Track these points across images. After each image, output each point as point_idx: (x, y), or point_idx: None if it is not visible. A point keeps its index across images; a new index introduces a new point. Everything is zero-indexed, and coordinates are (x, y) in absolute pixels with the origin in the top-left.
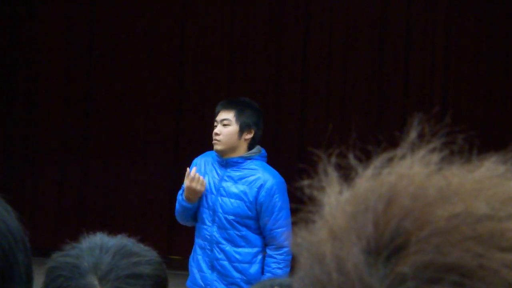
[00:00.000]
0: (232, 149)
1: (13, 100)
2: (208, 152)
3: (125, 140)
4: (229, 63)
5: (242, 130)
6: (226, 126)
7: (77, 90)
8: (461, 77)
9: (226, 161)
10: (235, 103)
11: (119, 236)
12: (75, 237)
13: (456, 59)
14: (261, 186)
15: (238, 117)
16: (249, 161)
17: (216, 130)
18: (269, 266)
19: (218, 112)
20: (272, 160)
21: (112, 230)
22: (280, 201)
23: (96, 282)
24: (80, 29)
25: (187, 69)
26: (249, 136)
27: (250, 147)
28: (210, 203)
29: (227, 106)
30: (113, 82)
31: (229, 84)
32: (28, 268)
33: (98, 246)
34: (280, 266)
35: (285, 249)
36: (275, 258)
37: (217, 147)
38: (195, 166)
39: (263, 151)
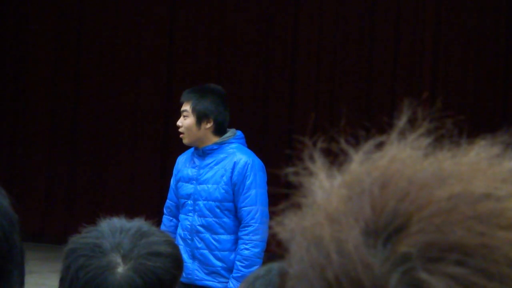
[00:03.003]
0: (199, 139)
1: (1, 86)
2: (191, 148)
3: (114, 126)
4: (218, 51)
5: (199, 121)
6: (186, 117)
7: (66, 71)
8: (450, 62)
9: (202, 150)
10: (193, 93)
11: (136, 219)
12: (63, 222)
13: (445, 44)
14: (234, 165)
15: (194, 108)
16: (225, 145)
17: (178, 122)
18: (238, 248)
19: (182, 102)
20: (261, 146)
21: (101, 216)
22: (251, 180)
23: (119, 260)
24: (69, 16)
25: (175, 56)
26: (209, 125)
27: (220, 132)
28: (190, 193)
29: (186, 97)
30: (102, 69)
31: (218, 72)
32: (22, 251)
33: (118, 228)
34: (247, 246)
35: (250, 229)
36: (242, 238)
37: (184, 140)
38: (177, 163)
39: (238, 133)
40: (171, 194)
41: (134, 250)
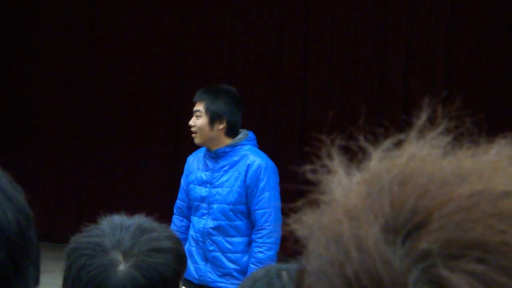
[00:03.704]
0: (211, 140)
1: (13, 87)
2: (201, 148)
3: (125, 125)
4: (230, 47)
5: (212, 121)
6: (198, 117)
7: (78, 72)
8: (463, 58)
9: (215, 153)
10: (207, 93)
11: (136, 215)
12: (74, 221)
13: (459, 40)
14: (248, 168)
15: (207, 108)
16: (237, 147)
17: (190, 122)
18: (252, 250)
19: (195, 102)
20: (273, 144)
21: (103, 214)
22: (264, 182)
23: (120, 258)
24: (81, 11)
25: (188, 52)
26: (221, 126)
27: (232, 134)
28: (205, 196)
29: (200, 97)
30: (113, 65)
31: (230, 68)
32: (37, 247)
33: (118, 225)
34: (262, 249)
35: (264, 232)
36: (256, 241)
37: (195, 140)
38: (187, 164)
39: (250, 134)
40: (182, 194)
41: (135, 247)
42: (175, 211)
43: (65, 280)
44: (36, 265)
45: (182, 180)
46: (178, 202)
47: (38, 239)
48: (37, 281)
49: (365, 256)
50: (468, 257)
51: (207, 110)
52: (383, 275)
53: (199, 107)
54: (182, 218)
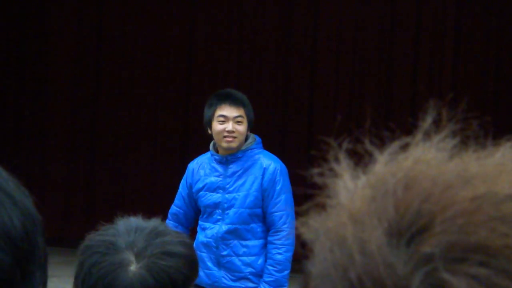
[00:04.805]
0: (242, 145)
1: (23, 86)
2: (202, 155)
3: (133, 127)
4: (238, 50)
5: (249, 126)
6: (240, 123)
7: (86, 75)
8: (470, 61)
9: (226, 159)
10: (242, 99)
11: (153, 219)
12: (82, 226)
13: (466, 43)
14: (264, 172)
15: (248, 114)
16: (248, 152)
17: (230, 128)
18: (270, 252)
19: (222, 106)
20: (280, 147)
21: (119, 215)
22: (280, 185)
23: (132, 258)
24: (90, 15)
25: (196, 55)
26: (248, 131)
27: (246, 138)
28: (218, 202)
29: (236, 102)
30: (121, 69)
31: (238, 72)
32: (45, 252)
33: (133, 227)
34: (280, 251)
35: (283, 233)
36: (274, 243)
37: (233, 144)
38: (190, 172)
39: (257, 138)
40: (180, 201)
41: (148, 249)
42: (169, 216)
43: (77, 277)
44: (43, 270)
45: (180, 186)
46: (174, 208)
47: (46, 244)
48: (44, 285)
49: (369, 259)
50: (471, 261)
51: (248, 116)
52: (386, 279)
53: (240, 112)
54: (176, 225)
